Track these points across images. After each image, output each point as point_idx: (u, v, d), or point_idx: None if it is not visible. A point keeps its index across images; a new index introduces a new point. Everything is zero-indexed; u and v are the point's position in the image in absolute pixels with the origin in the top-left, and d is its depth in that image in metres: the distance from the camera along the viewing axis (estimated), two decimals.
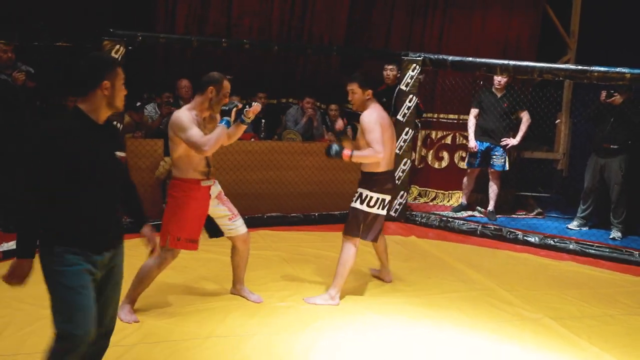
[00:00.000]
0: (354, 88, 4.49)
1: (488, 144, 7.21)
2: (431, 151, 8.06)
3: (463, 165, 7.82)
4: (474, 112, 7.33)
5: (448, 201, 8.00)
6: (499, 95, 7.24)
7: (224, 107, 4.05)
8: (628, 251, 6.17)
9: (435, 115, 7.94)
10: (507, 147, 7.19)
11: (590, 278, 5.59)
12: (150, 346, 3.67)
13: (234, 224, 4.37)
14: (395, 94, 6.91)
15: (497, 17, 7.84)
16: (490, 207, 7.39)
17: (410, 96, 6.76)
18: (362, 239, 4.55)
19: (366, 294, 4.78)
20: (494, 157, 7.22)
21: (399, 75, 6.97)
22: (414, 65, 6.73)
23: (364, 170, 4.55)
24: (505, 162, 7.21)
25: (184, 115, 3.99)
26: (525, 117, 7.23)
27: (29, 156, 2.58)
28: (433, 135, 8.03)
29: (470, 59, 6.70)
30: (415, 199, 8.04)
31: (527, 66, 6.39)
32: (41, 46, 6.25)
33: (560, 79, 6.47)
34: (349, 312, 4.41)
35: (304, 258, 5.47)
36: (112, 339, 2.93)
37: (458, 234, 6.71)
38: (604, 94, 6.71)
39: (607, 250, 6.19)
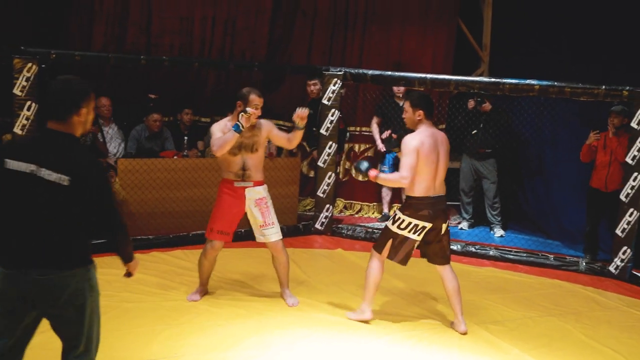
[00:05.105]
0: (406, 107, 4.48)
1: (396, 153, 7.45)
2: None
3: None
4: (376, 119, 7.67)
5: (373, 213, 8.13)
6: (401, 104, 7.47)
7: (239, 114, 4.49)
8: (544, 255, 6.46)
9: (358, 129, 8.07)
10: None
11: (510, 282, 5.81)
12: None
13: (265, 232, 4.71)
14: (319, 108, 7.00)
15: (414, 33, 8.06)
16: None
17: (333, 110, 6.85)
18: (389, 259, 4.49)
19: (294, 309, 4.80)
20: None
21: (322, 88, 7.07)
22: (335, 79, 6.84)
23: (405, 192, 4.55)
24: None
25: (216, 124, 4.64)
26: None
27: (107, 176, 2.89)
28: (356, 149, 8.15)
29: (390, 73, 6.88)
30: (340, 211, 8.13)
31: (443, 79, 6.62)
32: None
33: (475, 91, 6.73)
34: (277, 327, 4.41)
35: (232, 276, 5.42)
36: None
37: None
38: (472, 102, 7.37)
39: (525, 254, 6.47)
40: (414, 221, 4.36)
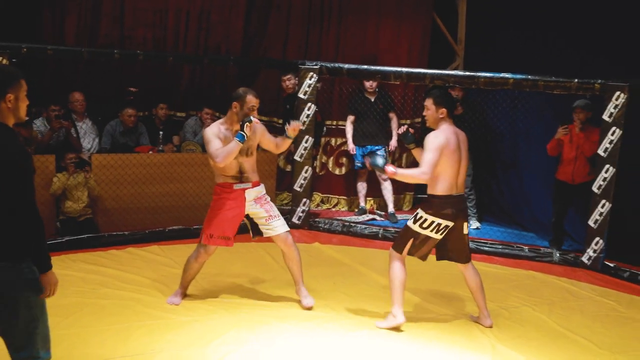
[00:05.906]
0: (428, 104, 4.37)
1: (370, 146, 7.46)
2: (331, 158, 8.18)
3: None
4: (350, 118, 7.59)
5: (350, 207, 8.15)
6: (372, 99, 7.50)
7: (241, 122, 4.37)
8: (519, 247, 6.55)
9: (335, 123, 8.08)
10: (391, 149, 7.56)
11: (486, 274, 5.80)
12: None
13: (271, 224, 4.61)
14: (295, 102, 6.98)
15: (390, 26, 8.07)
16: (390, 209, 7.60)
17: (309, 104, 6.85)
18: (409, 255, 4.41)
19: (273, 304, 4.80)
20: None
21: (297, 83, 7.05)
22: (311, 73, 6.83)
23: (427, 190, 4.42)
24: (387, 160, 7.46)
25: (210, 129, 4.48)
26: (394, 117, 7.57)
27: (30, 171, 2.81)
28: (333, 142, 8.16)
29: (365, 66, 6.89)
30: (318, 205, 8.13)
31: (419, 73, 6.66)
32: None
33: (450, 84, 6.76)
34: (256, 323, 4.40)
35: (210, 271, 5.39)
36: None
37: (361, 239, 6.85)
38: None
39: (500, 246, 6.55)
40: (437, 220, 4.31)
